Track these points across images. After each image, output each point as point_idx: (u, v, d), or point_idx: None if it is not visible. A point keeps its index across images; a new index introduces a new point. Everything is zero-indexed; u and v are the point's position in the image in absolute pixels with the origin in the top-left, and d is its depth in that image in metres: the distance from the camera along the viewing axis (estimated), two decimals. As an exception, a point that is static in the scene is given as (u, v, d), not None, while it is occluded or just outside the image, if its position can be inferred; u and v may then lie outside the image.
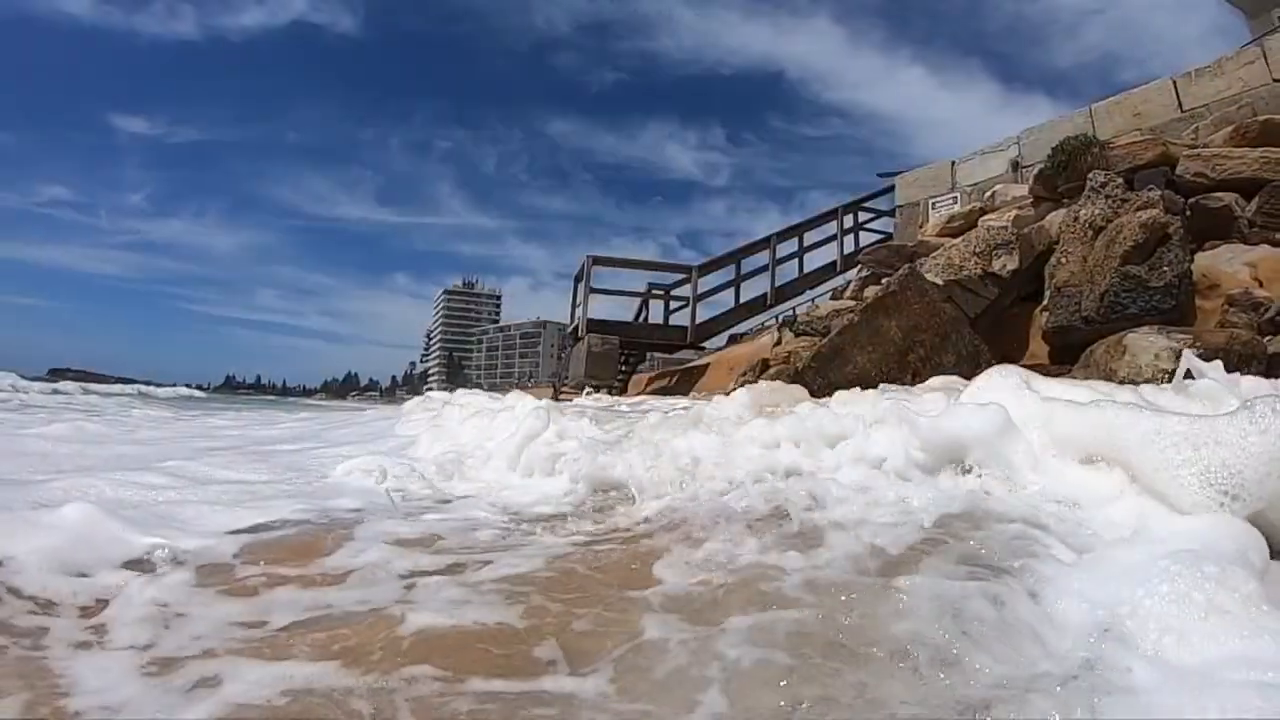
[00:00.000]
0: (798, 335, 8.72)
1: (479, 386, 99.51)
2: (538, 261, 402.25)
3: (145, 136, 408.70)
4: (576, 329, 15.39)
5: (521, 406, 5.45)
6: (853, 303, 8.97)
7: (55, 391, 27.82)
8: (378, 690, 1.45)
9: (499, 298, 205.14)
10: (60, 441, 6.37)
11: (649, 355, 17.33)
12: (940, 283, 7.55)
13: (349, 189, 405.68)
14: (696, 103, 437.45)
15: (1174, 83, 11.21)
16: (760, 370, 8.51)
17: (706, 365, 14.73)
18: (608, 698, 1.41)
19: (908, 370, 6.50)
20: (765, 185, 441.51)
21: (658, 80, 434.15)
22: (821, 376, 6.30)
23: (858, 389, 4.98)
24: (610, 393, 14.69)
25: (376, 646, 1.64)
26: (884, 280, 9.74)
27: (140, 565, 2.20)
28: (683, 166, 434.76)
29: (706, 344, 16.12)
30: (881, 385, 4.83)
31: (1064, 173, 9.01)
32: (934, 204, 14.86)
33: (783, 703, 1.33)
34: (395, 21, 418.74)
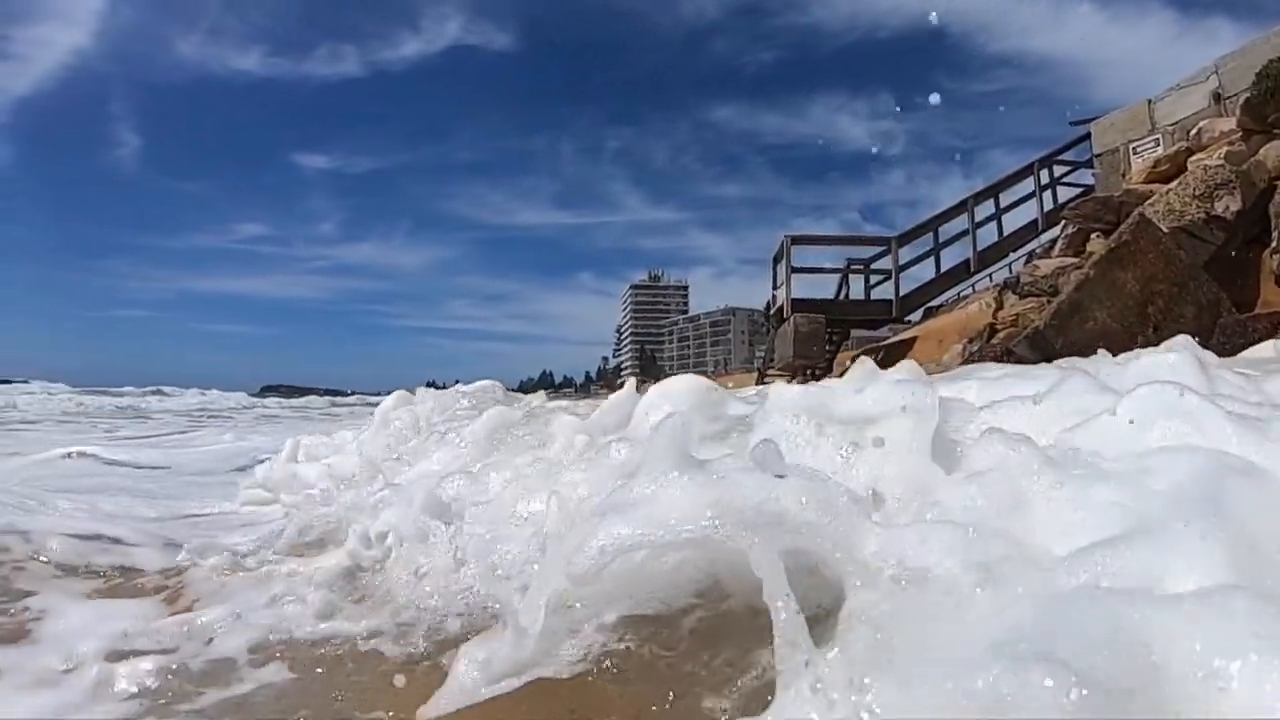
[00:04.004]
0: (1022, 297, 8.75)
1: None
2: (719, 249, 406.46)
3: (327, 170, 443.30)
4: (780, 310, 15.58)
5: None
6: (1075, 259, 8.91)
7: (305, 406, 31.06)
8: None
9: (685, 289, 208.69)
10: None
11: (850, 333, 17.38)
12: (1165, 230, 7.45)
13: (525, 197, 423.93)
14: (860, 71, 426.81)
15: (1375, -17, 10.28)
16: (987, 336, 8.59)
17: (913, 339, 14.47)
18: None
19: (1148, 323, 6.54)
20: (943, 148, 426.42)
21: (817, 53, 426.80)
22: (1062, 335, 6.45)
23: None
24: (816, 375, 14.85)
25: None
26: (1094, 233, 9.59)
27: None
28: (855, 138, 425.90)
29: (910, 317, 16.05)
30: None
31: (1273, 100, 8.52)
32: (1134, 148, 14.20)
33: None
34: (548, 33, 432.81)
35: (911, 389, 1.85)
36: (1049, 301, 7.68)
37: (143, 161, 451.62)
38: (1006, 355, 7.00)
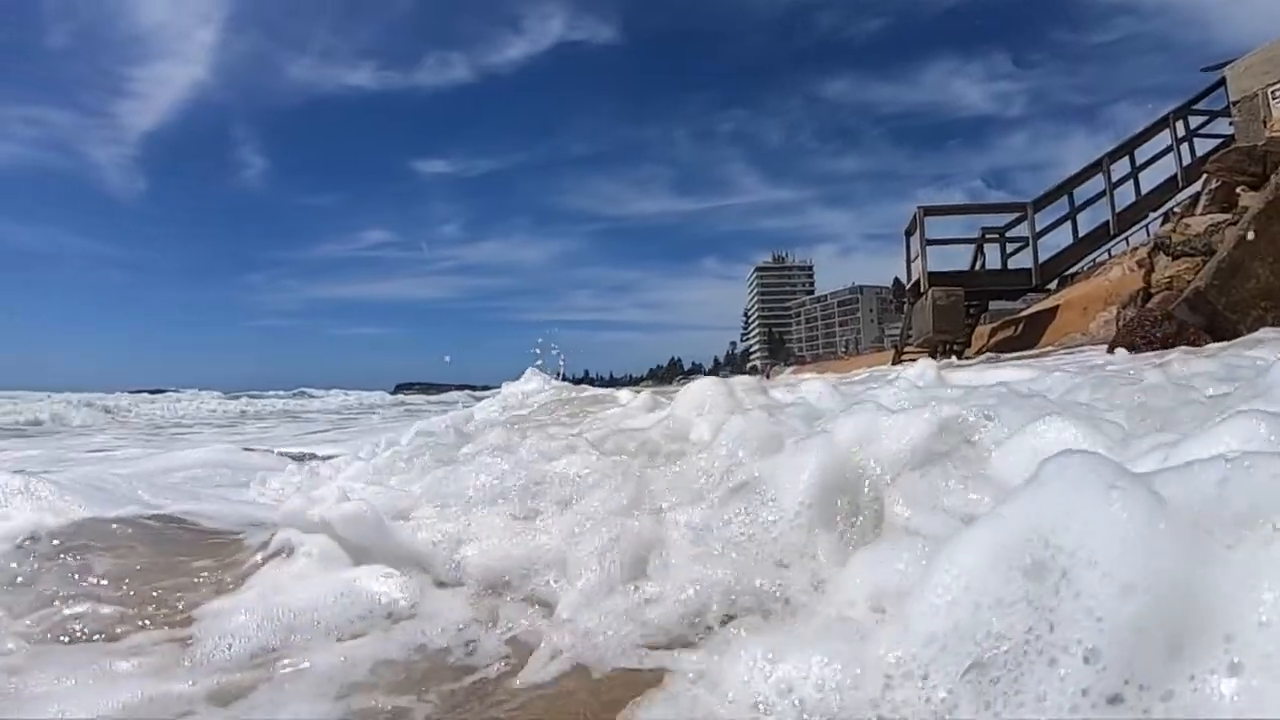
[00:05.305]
0: (1175, 258, 8.64)
1: (801, 359, 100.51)
2: (842, 226, 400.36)
3: (446, 175, 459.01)
4: (916, 284, 15.57)
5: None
6: (1226, 216, 8.78)
7: (444, 401, 32.65)
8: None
9: (810, 268, 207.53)
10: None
11: (988, 305, 17.10)
12: (1318, 180, 7.29)
13: (641, 186, 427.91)
14: (971, 31, 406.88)
15: None
16: (1142, 301, 8.54)
17: (1055, 309, 14.41)
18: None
19: (1310, 279, 6.52)
20: (1064, 106, 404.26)
21: (924, 16, 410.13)
22: (1225, 295, 6.51)
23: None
24: (953, 350, 14.79)
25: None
26: (1239, 187, 9.34)
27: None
28: (972, 102, 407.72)
29: (1050, 286, 15.79)
30: None
31: None
32: (1273, 93, 13.57)
33: None
34: (650, 22, 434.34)
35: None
36: (1204, 261, 7.65)
37: (269, 181, 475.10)
38: (1166, 319, 7.06)
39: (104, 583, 2.08)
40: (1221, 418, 1.51)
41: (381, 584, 1.91)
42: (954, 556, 1.16)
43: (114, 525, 2.48)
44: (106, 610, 1.92)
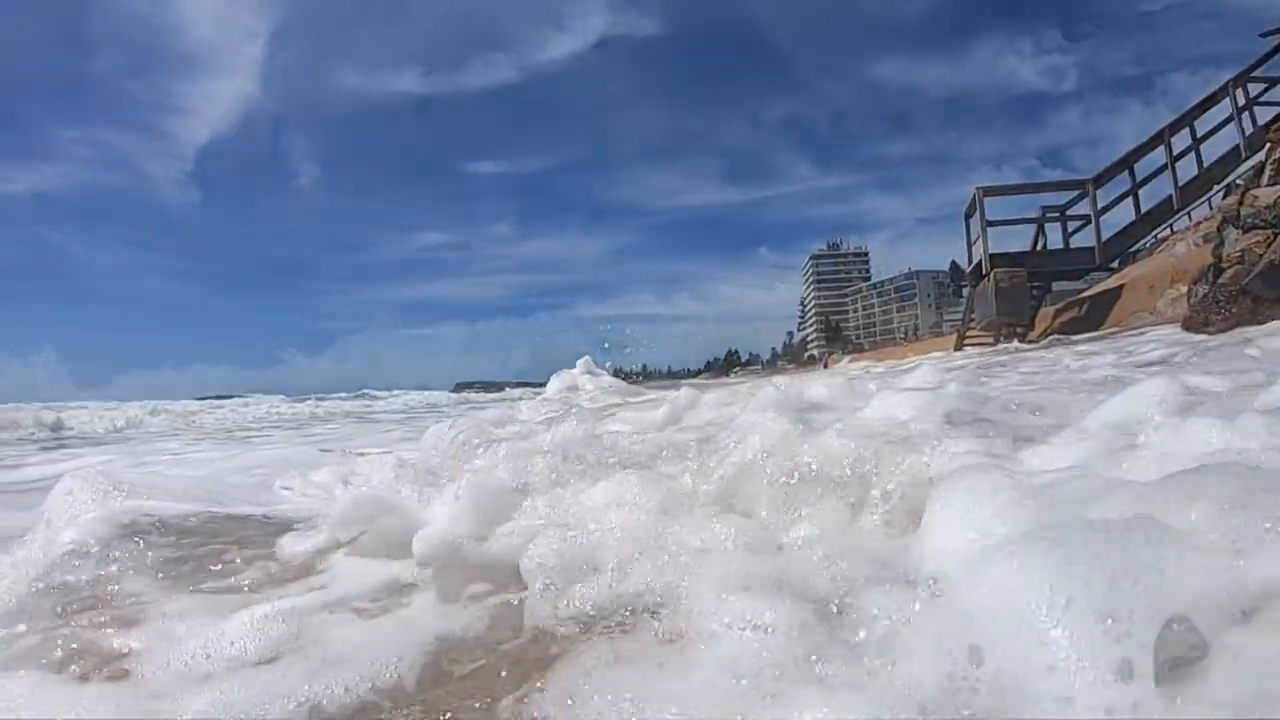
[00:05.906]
0: (1246, 231, 8.41)
1: (859, 347, 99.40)
2: (896, 210, 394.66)
3: (497, 174, 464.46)
4: (978, 266, 15.32)
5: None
6: (1296, 187, 8.53)
7: (502, 399, 33.12)
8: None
9: (866, 255, 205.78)
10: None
11: (1050, 286, 16.75)
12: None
13: (692, 178, 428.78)
14: (1019, 6, 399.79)
15: None
16: (1214, 276, 8.33)
17: (1119, 288, 14.07)
18: None
19: (1391, 246, 6.35)
20: (1118, 78, 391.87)
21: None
22: (1303, 268, 6.34)
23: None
24: (1017, 333, 14.52)
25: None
26: None
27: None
28: (1024, 79, 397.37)
29: (1113, 264, 15.45)
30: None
31: None
32: None
33: None
34: (692, 12, 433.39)
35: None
36: (1275, 234, 7.47)
37: (323, 188, 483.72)
38: (1241, 295, 6.91)
39: (231, 551, 2.25)
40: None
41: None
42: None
43: (227, 519, 2.67)
44: (235, 573, 2.08)
